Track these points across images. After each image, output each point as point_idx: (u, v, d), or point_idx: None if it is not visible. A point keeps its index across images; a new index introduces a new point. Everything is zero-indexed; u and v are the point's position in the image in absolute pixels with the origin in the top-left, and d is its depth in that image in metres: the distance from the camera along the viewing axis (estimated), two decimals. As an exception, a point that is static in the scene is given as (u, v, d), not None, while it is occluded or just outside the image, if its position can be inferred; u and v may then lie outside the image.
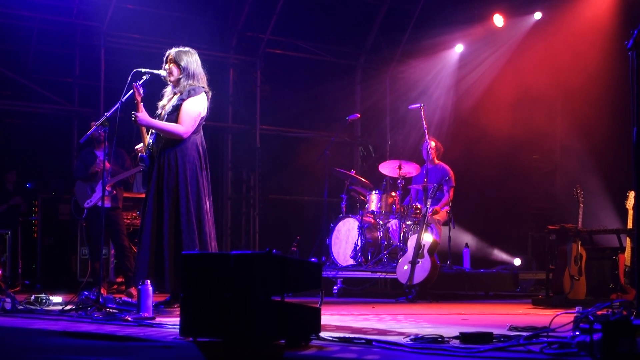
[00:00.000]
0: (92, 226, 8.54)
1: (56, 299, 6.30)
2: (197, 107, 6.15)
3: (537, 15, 11.99)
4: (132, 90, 6.04)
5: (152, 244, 6.07)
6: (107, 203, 8.27)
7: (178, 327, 4.05)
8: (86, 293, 5.89)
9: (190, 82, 6.19)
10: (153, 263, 6.04)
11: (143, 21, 11.15)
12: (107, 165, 8.11)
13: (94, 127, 6.55)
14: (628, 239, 7.31)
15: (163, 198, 6.07)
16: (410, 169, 9.76)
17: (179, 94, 6.20)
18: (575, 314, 3.84)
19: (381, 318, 5.76)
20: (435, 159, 9.90)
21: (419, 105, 9.50)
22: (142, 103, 6.10)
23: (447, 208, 9.64)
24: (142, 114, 6.08)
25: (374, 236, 9.67)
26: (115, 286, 9.38)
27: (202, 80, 6.28)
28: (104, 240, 8.81)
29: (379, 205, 9.64)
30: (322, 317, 4.08)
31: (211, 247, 6.15)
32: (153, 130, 6.24)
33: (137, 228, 9.67)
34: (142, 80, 6.09)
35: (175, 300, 6.01)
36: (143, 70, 6.12)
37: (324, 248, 10.07)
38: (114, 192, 8.46)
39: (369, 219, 9.69)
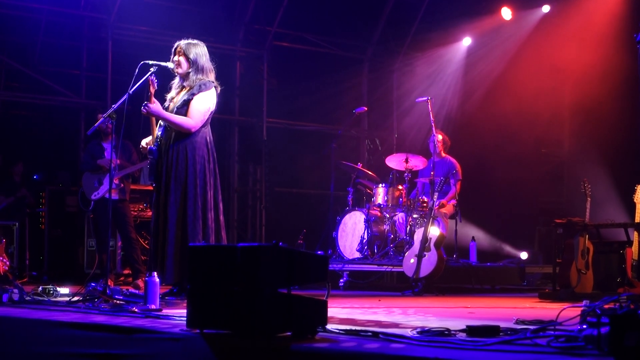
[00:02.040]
0: (99, 218, 8.58)
1: (63, 290, 6.32)
2: (207, 102, 6.15)
3: (545, 9, 11.95)
4: (140, 82, 6.03)
5: (159, 237, 6.09)
6: (115, 195, 8.30)
7: (185, 319, 4.05)
8: (93, 284, 5.90)
9: (199, 76, 6.18)
10: (158, 256, 6.06)
11: (150, 13, 11.16)
12: (117, 161, 8.13)
13: (102, 119, 6.55)
14: (635, 233, 7.29)
15: (170, 191, 6.08)
16: (417, 162, 9.75)
17: (188, 88, 6.19)
18: (582, 308, 3.83)
19: (388, 311, 5.76)
20: (442, 152, 9.89)
21: (426, 98, 9.48)
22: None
23: (454, 201, 9.63)
24: (155, 105, 6.08)
25: (380, 229, 9.67)
26: (122, 278, 9.42)
27: (211, 73, 6.27)
28: (111, 232, 8.84)
29: (385, 198, 9.63)
30: (329, 309, 4.09)
31: (220, 239, 6.16)
32: (162, 123, 6.24)
33: (144, 220, 9.73)
34: (150, 73, 6.08)
35: (183, 292, 6.02)
36: (150, 62, 6.11)
37: (330, 241, 10.07)
38: (122, 184, 8.48)
39: (376, 212, 9.69)
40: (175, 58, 6.21)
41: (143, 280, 6.37)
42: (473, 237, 10.74)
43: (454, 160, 9.89)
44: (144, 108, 6.05)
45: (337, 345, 3.57)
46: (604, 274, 7.69)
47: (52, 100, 11.42)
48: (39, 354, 4.54)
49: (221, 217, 6.25)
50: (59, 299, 5.96)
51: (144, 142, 6.42)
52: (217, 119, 10.92)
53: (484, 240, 11.79)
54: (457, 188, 9.70)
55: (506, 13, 11.97)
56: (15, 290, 5.83)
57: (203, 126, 6.19)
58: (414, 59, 13.18)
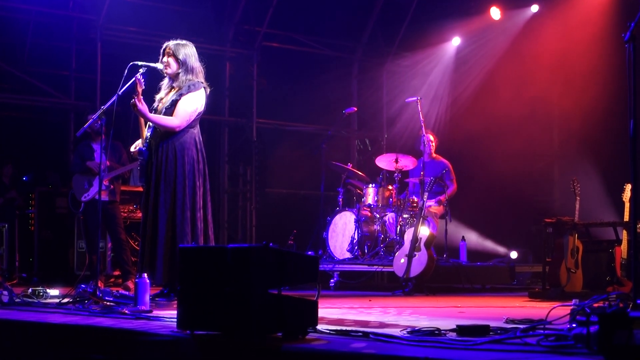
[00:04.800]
0: (89, 219, 8.55)
1: (53, 292, 6.29)
2: (194, 102, 6.13)
3: (534, 8, 12.00)
4: (129, 83, 6.02)
5: (149, 238, 6.08)
6: (105, 197, 8.28)
7: (175, 320, 4.05)
8: (83, 286, 5.89)
9: (189, 76, 6.16)
10: (147, 256, 6.05)
11: (139, 14, 11.14)
12: (107, 162, 8.10)
13: (91, 119, 6.53)
14: (624, 232, 7.33)
15: (160, 191, 6.07)
16: (407, 162, 9.76)
17: (177, 89, 6.17)
18: (571, 307, 3.85)
19: (378, 311, 5.77)
20: (433, 152, 9.91)
21: (415, 98, 9.50)
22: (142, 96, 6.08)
23: (442, 198, 9.63)
24: (141, 105, 6.05)
25: (370, 229, 9.67)
26: (112, 279, 9.40)
27: (200, 74, 6.26)
28: (101, 233, 8.81)
29: (375, 198, 9.64)
30: (320, 310, 4.09)
31: (207, 239, 6.16)
32: (151, 124, 6.23)
33: (134, 221, 9.71)
34: (139, 74, 6.06)
35: (174, 293, 6.01)
36: (140, 63, 6.09)
37: (320, 241, 10.08)
38: (112, 186, 8.46)
39: (366, 212, 9.70)
40: (165, 59, 6.19)
41: (133, 281, 6.36)
42: (463, 237, 10.77)
43: (445, 160, 9.90)
44: (132, 102, 6.00)
45: (327, 345, 3.57)
46: (594, 272, 7.71)
47: (41, 102, 11.38)
48: (29, 356, 4.53)
49: (209, 218, 6.24)
50: (48, 300, 5.94)
51: (133, 147, 6.40)
52: (206, 120, 10.92)
53: (474, 240, 11.81)
54: (455, 186, 9.75)
55: (495, 13, 12.01)
56: (5, 292, 5.80)
57: (192, 127, 6.18)
58: (403, 59, 13.19)
